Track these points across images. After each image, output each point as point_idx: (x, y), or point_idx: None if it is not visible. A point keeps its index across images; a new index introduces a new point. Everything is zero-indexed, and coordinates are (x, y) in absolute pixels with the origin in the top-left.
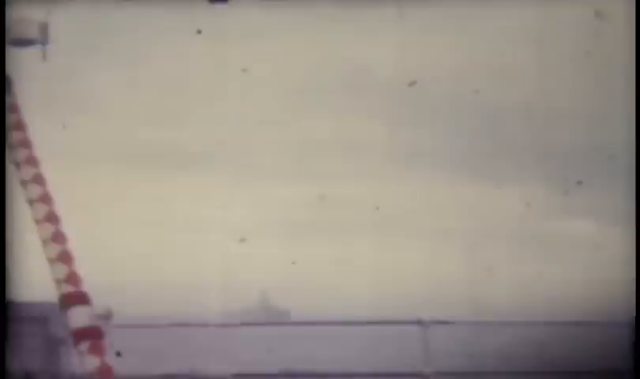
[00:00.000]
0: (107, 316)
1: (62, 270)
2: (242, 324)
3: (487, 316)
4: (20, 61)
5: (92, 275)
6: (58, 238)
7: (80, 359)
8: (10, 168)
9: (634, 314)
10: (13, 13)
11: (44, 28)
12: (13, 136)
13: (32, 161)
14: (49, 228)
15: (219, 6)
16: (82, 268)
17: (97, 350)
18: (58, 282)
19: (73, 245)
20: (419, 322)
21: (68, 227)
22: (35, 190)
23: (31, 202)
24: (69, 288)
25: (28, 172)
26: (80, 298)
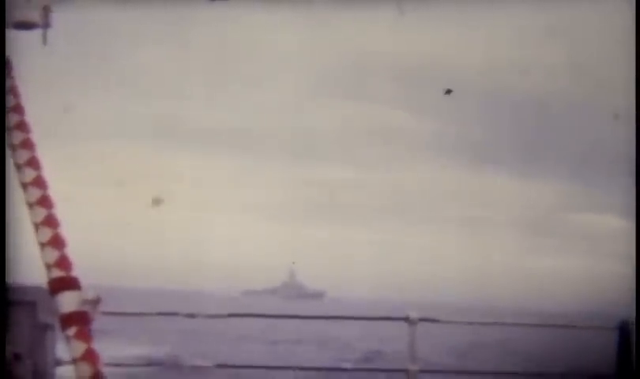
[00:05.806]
0: (95, 301)
1: (53, 254)
2: (230, 315)
3: (480, 313)
4: (21, 44)
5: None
6: (51, 222)
7: (67, 344)
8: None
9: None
10: None
11: (46, 12)
12: (10, 119)
13: (28, 144)
14: (42, 212)
15: (219, 4)
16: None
17: (84, 335)
18: (49, 266)
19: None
20: (406, 319)
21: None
22: (29, 174)
23: (24, 185)
24: (59, 273)
25: (22, 155)
26: (71, 284)
